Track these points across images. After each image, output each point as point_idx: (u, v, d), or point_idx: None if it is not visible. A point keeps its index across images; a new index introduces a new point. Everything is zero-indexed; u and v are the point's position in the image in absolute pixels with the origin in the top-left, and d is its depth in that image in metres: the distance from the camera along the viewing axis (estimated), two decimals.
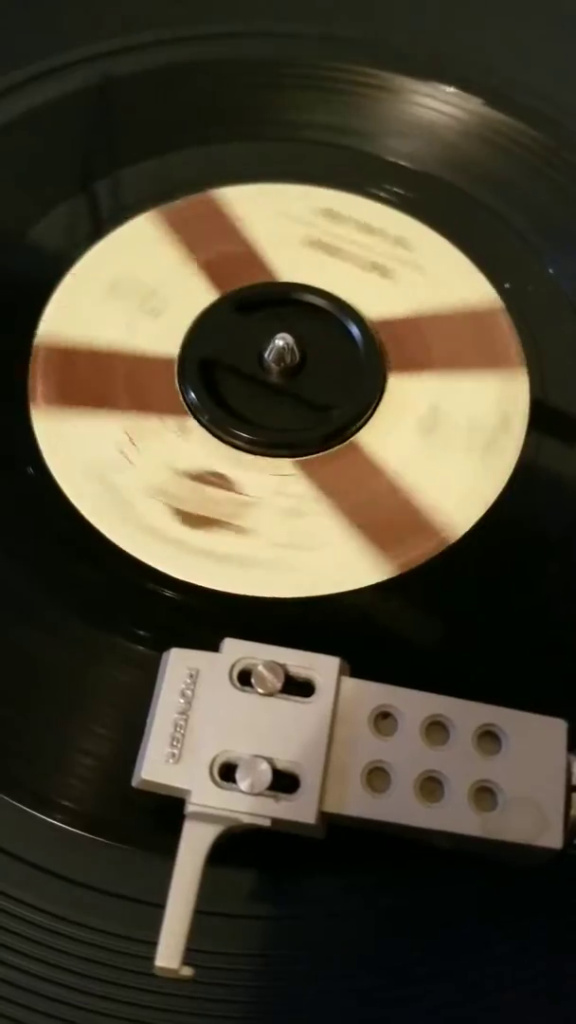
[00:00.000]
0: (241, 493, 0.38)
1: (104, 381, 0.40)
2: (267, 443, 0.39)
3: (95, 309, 0.41)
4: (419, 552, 0.37)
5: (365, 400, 0.39)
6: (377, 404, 0.40)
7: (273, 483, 0.38)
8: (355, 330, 0.41)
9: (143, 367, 0.40)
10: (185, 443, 0.39)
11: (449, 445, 0.39)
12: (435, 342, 0.41)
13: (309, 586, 0.36)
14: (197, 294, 0.41)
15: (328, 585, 0.36)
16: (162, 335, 0.41)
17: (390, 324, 0.41)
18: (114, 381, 0.40)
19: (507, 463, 0.39)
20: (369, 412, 0.39)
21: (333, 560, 0.36)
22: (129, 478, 0.38)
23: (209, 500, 0.37)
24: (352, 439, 0.39)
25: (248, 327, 0.41)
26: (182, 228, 0.43)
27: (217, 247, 0.43)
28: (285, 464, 0.38)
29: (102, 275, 0.42)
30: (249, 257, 0.42)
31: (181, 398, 0.39)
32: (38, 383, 0.39)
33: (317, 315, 0.41)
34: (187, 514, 0.37)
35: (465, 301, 0.42)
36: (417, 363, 0.40)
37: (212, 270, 0.42)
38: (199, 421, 0.39)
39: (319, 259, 0.43)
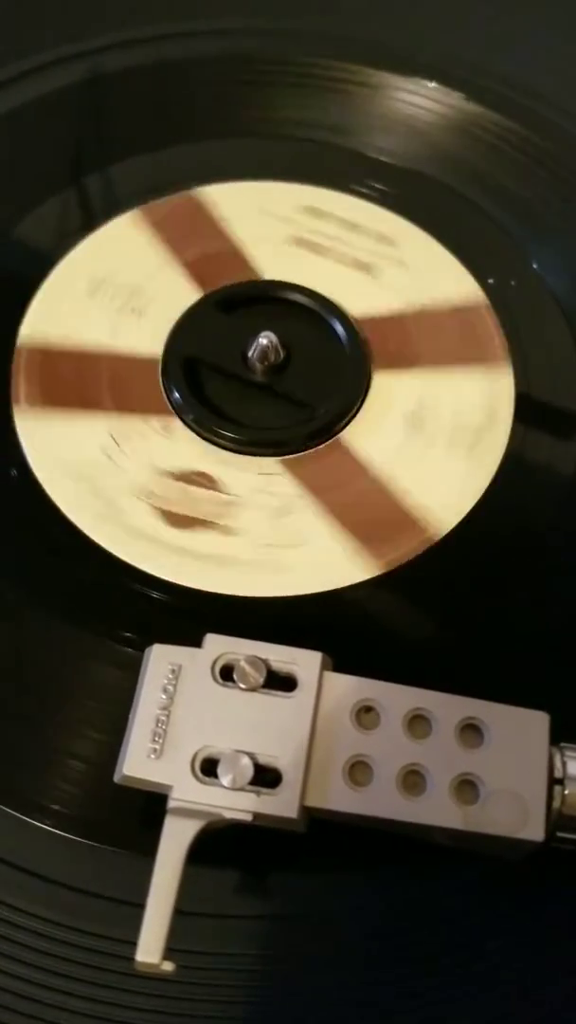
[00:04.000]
0: (225, 492, 0.38)
1: (87, 381, 0.40)
2: (251, 442, 0.38)
3: (78, 308, 0.41)
4: (405, 549, 0.37)
5: (350, 398, 0.39)
6: (362, 401, 0.40)
7: (258, 482, 0.38)
8: (339, 327, 0.41)
9: (126, 367, 0.40)
10: (169, 443, 0.38)
11: (434, 441, 0.39)
12: (420, 338, 0.41)
13: (295, 585, 0.36)
14: (180, 293, 0.41)
15: (314, 584, 0.36)
16: (145, 334, 0.40)
17: (374, 321, 0.41)
18: (97, 381, 0.40)
19: (493, 459, 0.39)
20: (354, 410, 0.39)
21: (319, 558, 0.36)
22: (113, 478, 0.38)
23: (194, 500, 0.37)
24: (337, 437, 0.39)
25: (232, 325, 0.41)
26: (165, 226, 0.43)
27: (200, 245, 0.43)
28: (270, 463, 0.38)
29: (85, 274, 0.42)
30: (232, 255, 0.42)
31: (165, 397, 0.39)
32: (21, 384, 0.39)
33: (301, 313, 0.41)
34: (172, 514, 0.37)
35: (449, 297, 0.42)
36: (402, 360, 0.40)
37: (195, 269, 0.42)
38: (183, 420, 0.39)
39: (302, 257, 0.43)
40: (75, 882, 0.31)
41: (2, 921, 0.31)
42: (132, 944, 0.28)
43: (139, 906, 0.29)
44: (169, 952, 0.28)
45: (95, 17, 0.49)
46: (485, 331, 0.41)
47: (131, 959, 0.28)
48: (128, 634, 0.35)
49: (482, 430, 0.39)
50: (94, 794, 0.33)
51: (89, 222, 0.43)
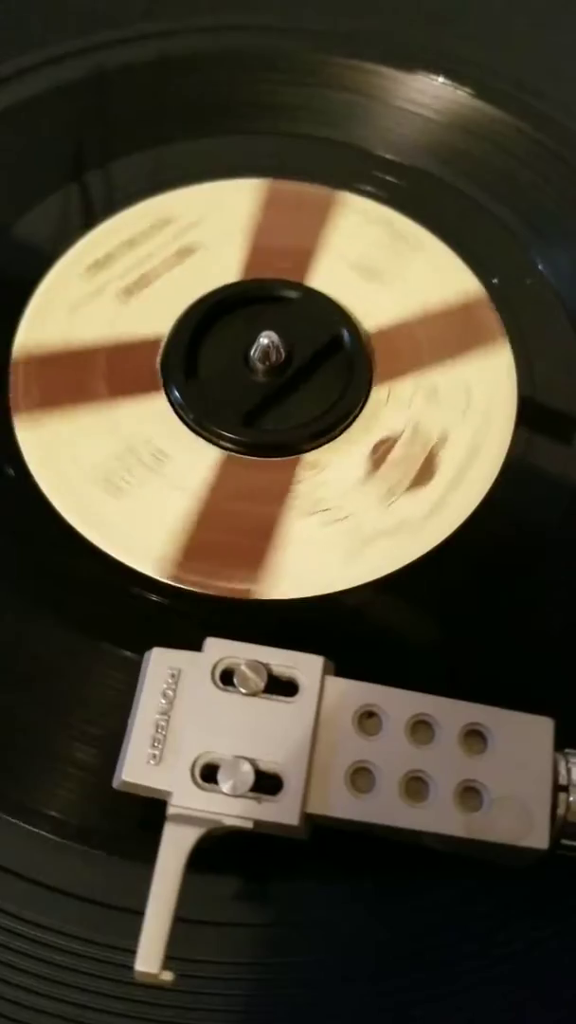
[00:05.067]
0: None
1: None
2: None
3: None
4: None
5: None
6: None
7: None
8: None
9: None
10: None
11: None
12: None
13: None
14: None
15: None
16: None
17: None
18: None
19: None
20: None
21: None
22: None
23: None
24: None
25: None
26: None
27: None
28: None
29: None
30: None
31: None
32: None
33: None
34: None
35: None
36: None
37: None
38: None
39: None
40: (73, 889, 0.31)
41: (0, 929, 0.31)
42: (131, 953, 0.28)
43: (138, 914, 0.28)
44: (169, 961, 0.28)
45: (95, 13, 0.48)
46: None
47: (130, 968, 0.28)
48: (127, 638, 0.35)
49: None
50: (92, 801, 0.32)
51: (92, 217, 0.43)
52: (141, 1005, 0.30)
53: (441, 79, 0.47)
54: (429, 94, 0.47)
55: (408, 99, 0.47)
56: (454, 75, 0.47)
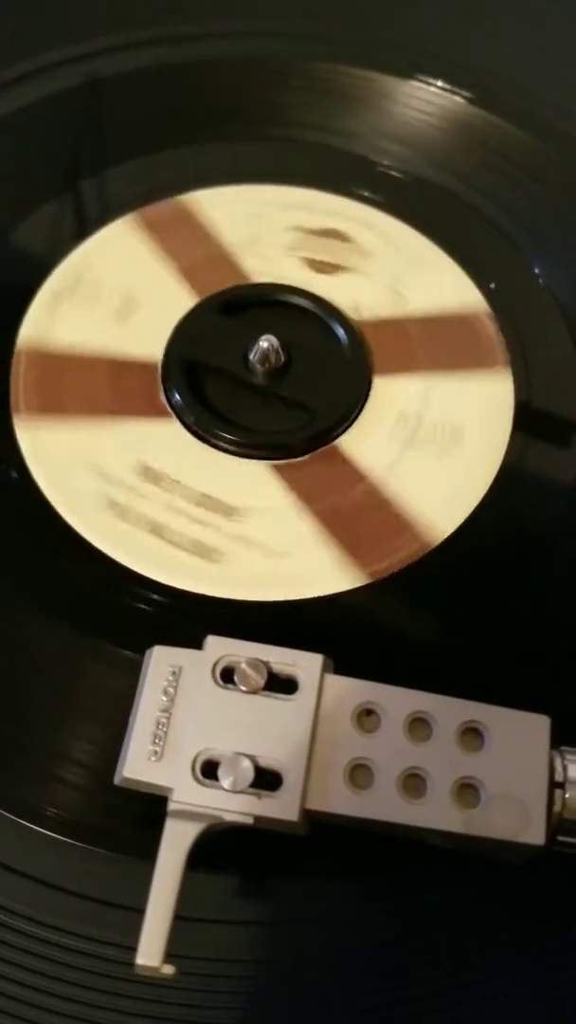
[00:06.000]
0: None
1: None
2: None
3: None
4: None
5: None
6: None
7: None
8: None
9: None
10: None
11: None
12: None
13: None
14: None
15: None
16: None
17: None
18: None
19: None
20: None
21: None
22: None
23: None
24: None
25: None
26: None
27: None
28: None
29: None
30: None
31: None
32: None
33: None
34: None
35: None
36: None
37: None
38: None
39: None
40: (74, 887, 0.31)
41: (1, 926, 0.31)
42: (132, 949, 0.28)
43: (139, 911, 0.29)
44: (169, 957, 0.28)
45: (90, 21, 0.49)
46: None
47: (131, 965, 0.28)
48: (127, 637, 0.35)
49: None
50: (94, 799, 0.32)
51: (87, 226, 0.43)
52: (142, 1002, 0.30)
53: (439, 85, 0.47)
54: (427, 100, 0.47)
55: (406, 105, 0.47)
56: (452, 81, 0.47)
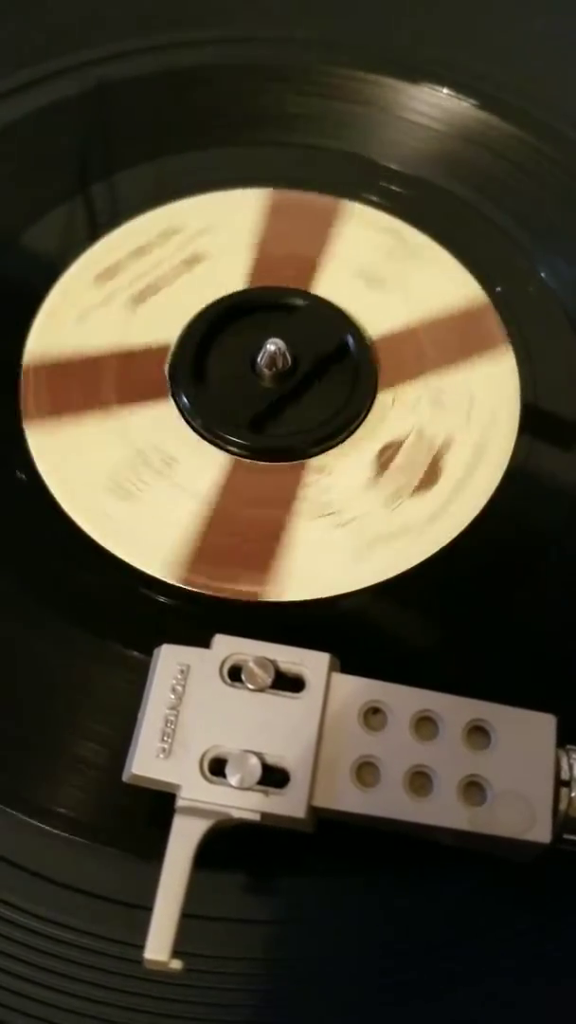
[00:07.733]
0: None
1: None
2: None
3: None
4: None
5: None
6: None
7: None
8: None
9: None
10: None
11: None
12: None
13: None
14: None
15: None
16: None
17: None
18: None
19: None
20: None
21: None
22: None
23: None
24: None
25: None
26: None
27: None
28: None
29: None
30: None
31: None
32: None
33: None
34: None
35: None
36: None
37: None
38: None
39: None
40: (83, 885, 0.32)
41: (8, 923, 0.31)
42: (140, 946, 0.28)
43: (147, 909, 0.29)
44: (177, 954, 0.28)
45: (99, 27, 0.49)
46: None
47: (139, 962, 0.28)
48: (135, 637, 0.35)
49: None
50: (103, 798, 0.33)
51: (99, 228, 0.43)
52: (150, 999, 0.30)
53: (446, 90, 0.47)
54: (434, 105, 0.47)
55: (413, 110, 0.47)
56: (459, 86, 0.47)
